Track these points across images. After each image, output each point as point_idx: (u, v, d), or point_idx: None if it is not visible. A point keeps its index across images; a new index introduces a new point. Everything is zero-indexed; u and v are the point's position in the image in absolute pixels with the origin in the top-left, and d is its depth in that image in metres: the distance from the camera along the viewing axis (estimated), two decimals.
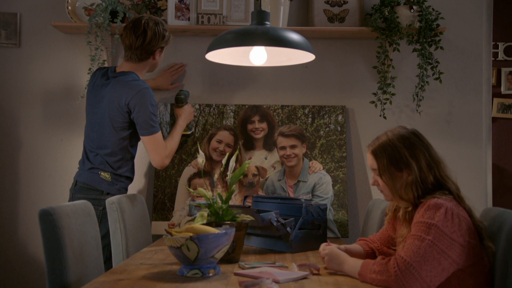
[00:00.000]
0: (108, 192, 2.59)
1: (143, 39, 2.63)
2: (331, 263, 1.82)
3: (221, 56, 2.48)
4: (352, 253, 1.98)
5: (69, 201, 2.63)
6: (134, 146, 2.75)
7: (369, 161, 1.89)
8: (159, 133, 2.66)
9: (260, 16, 2.27)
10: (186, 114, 2.98)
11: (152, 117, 2.60)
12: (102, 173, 2.61)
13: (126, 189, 2.76)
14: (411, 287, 1.58)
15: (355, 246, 2.06)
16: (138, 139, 2.73)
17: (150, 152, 2.65)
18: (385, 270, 1.61)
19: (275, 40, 2.18)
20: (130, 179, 2.76)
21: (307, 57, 2.40)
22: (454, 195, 1.77)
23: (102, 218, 2.49)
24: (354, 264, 1.75)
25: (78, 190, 2.62)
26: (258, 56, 2.42)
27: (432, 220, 1.65)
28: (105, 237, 2.44)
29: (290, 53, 2.42)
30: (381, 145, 1.84)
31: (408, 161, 1.78)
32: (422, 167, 1.78)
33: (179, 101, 3.00)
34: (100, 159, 2.63)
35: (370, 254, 2.03)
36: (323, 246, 1.95)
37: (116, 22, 2.95)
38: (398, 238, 1.88)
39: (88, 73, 2.99)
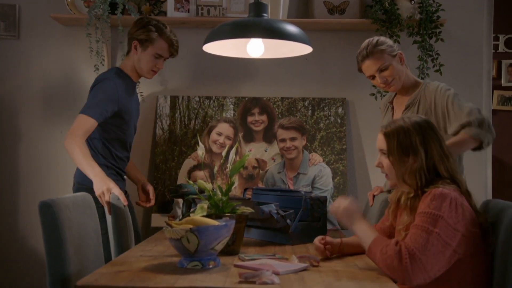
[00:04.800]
0: None
1: None
2: (344, 217, 1.81)
3: (218, 47, 2.47)
4: (351, 246, 1.99)
5: None
6: (110, 142, 2.62)
7: (379, 142, 1.90)
8: (88, 118, 2.43)
9: (257, 8, 2.26)
10: (99, 180, 2.35)
11: (93, 102, 2.48)
12: None
13: (122, 184, 2.67)
14: (415, 279, 1.61)
15: (354, 239, 2.06)
16: (112, 135, 2.62)
17: (71, 127, 2.47)
18: (397, 257, 1.61)
19: (272, 32, 2.18)
20: (117, 175, 2.64)
21: (304, 49, 2.39)
22: (463, 190, 1.78)
23: (101, 216, 2.36)
24: (366, 233, 1.75)
25: (76, 191, 2.56)
26: (255, 48, 2.41)
27: (438, 212, 1.67)
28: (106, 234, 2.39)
29: (287, 45, 2.41)
30: (395, 128, 1.85)
31: (417, 148, 1.80)
32: (431, 156, 1.80)
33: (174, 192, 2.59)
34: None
35: None
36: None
37: (117, 14, 2.93)
38: (398, 226, 1.88)
39: (95, 67, 2.99)
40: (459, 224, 1.67)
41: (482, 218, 1.75)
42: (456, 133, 2.29)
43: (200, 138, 3.09)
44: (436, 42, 3.03)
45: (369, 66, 2.41)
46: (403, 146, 1.82)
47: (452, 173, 1.81)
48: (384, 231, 2.06)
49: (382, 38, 2.44)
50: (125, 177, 2.77)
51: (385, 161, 1.87)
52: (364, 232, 1.76)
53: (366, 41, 2.44)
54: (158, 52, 2.64)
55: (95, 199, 2.30)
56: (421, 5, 3.03)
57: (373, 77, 2.45)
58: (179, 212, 2.90)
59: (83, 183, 2.50)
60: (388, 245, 1.66)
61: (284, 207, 2.38)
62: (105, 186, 2.32)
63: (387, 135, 1.86)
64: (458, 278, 1.72)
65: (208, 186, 2.02)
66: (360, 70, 2.49)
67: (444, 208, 1.67)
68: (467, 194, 1.79)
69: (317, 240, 1.96)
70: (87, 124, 2.44)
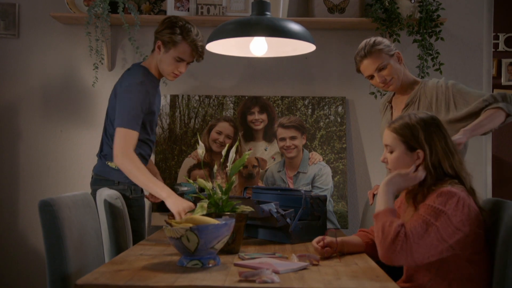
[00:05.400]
0: (119, 181, 2.52)
1: None
2: (392, 174, 1.82)
3: (221, 47, 2.47)
4: (350, 245, 1.99)
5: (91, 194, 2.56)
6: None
7: (385, 136, 1.92)
8: (132, 132, 2.43)
9: (260, 6, 2.27)
10: (175, 198, 2.36)
11: (132, 114, 2.44)
12: (109, 163, 2.56)
13: None
14: (397, 261, 1.66)
15: (354, 238, 2.06)
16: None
17: (115, 143, 2.43)
18: (393, 236, 1.65)
19: (275, 30, 2.18)
20: None
21: (307, 47, 2.39)
22: (467, 188, 1.79)
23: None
24: (384, 200, 1.77)
25: (93, 182, 2.58)
26: (258, 46, 2.41)
27: (443, 207, 1.69)
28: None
29: (291, 43, 2.42)
30: (402, 124, 1.87)
31: (422, 144, 1.81)
32: (435, 152, 1.81)
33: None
34: (106, 147, 2.60)
35: (370, 245, 2.03)
36: (318, 238, 1.96)
37: (118, 13, 2.92)
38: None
39: (95, 66, 2.98)
40: (461, 223, 1.68)
41: (485, 215, 1.77)
42: (474, 111, 2.28)
43: (200, 137, 3.09)
44: (436, 41, 3.03)
45: (367, 66, 2.42)
46: (408, 141, 1.84)
47: (457, 170, 1.82)
48: None
49: (379, 38, 2.45)
50: None
51: (390, 157, 1.89)
52: (384, 198, 1.78)
53: (364, 41, 2.45)
54: (179, 55, 2.52)
55: (94, 196, 2.30)
56: (421, 4, 3.02)
57: (371, 77, 2.46)
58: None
59: (101, 175, 2.56)
60: (395, 222, 1.69)
61: (284, 206, 2.38)
62: (186, 204, 2.30)
63: (393, 131, 1.88)
64: (458, 276, 1.73)
65: (208, 185, 2.01)
66: (358, 70, 2.50)
67: (449, 205, 1.69)
68: (472, 192, 1.80)
69: (315, 241, 1.96)
70: (133, 138, 2.43)
